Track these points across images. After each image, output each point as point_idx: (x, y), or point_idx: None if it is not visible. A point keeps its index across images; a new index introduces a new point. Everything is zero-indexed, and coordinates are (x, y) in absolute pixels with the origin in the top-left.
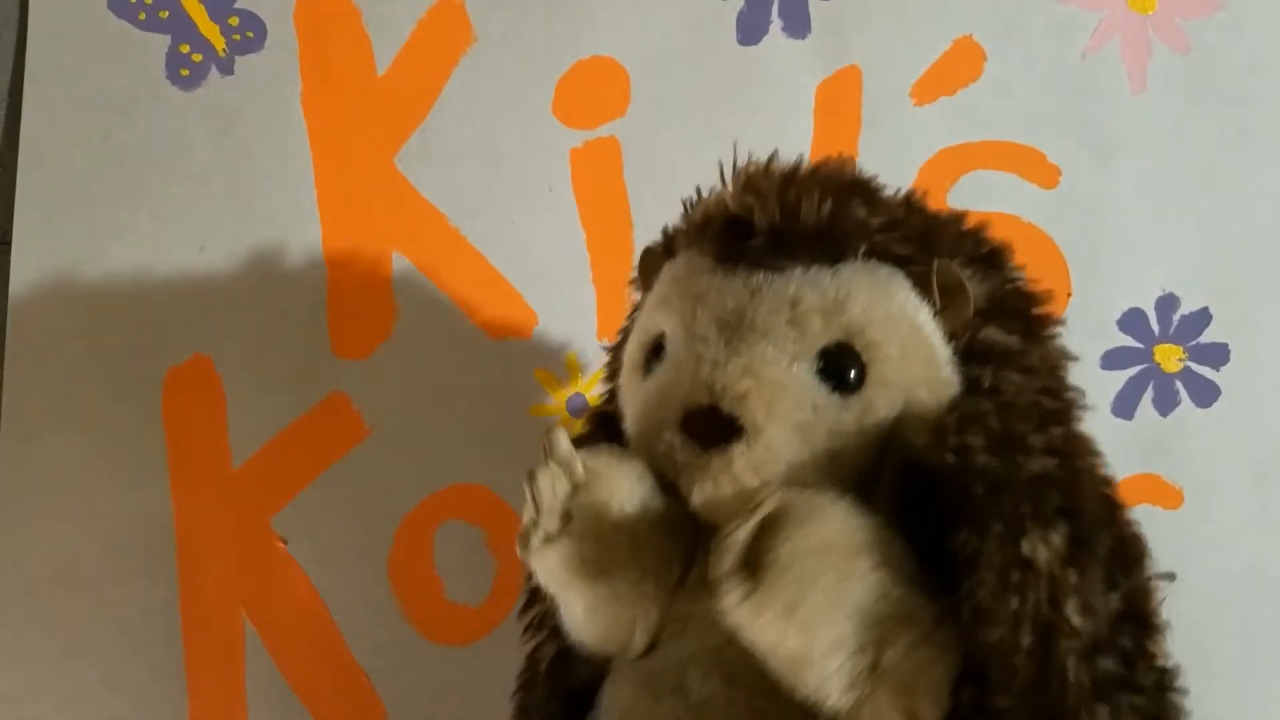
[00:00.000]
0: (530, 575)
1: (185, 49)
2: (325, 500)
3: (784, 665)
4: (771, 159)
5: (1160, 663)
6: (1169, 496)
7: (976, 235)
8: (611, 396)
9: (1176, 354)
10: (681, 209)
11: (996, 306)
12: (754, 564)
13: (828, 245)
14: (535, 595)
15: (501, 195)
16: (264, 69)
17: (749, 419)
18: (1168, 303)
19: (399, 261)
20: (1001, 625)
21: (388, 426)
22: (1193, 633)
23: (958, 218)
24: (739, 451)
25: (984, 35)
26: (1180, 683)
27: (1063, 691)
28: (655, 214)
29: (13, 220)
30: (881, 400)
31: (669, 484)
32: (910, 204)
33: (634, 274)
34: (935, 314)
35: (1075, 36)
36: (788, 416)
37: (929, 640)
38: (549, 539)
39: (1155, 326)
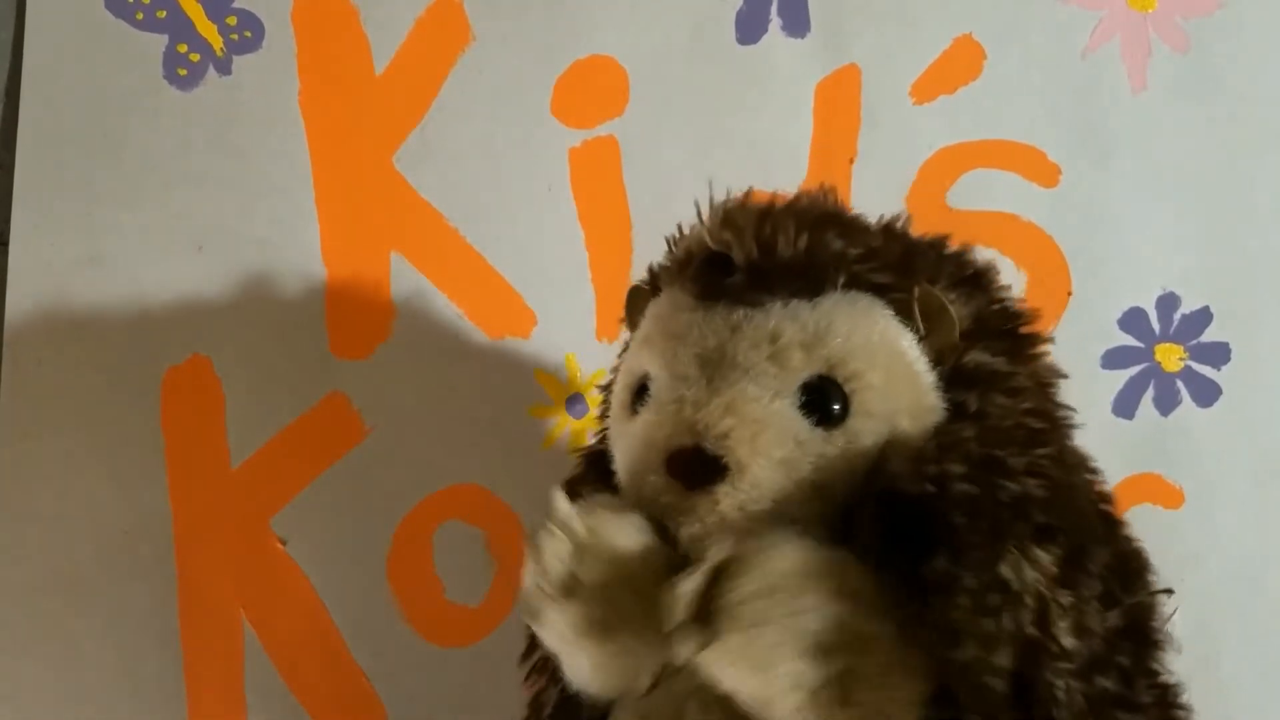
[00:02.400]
0: None
1: (183, 49)
2: (325, 500)
3: (751, 706)
4: (749, 194)
5: (1161, 679)
6: (1169, 496)
7: (959, 258)
8: (604, 436)
9: (1177, 353)
10: (666, 246)
11: (982, 328)
12: (706, 612)
13: (806, 278)
14: (536, 641)
15: (500, 195)
16: (262, 69)
17: (732, 457)
18: (1168, 302)
19: (398, 261)
20: (972, 645)
21: (387, 426)
22: (1193, 632)
23: (939, 242)
24: (724, 491)
25: (984, 34)
26: (1183, 699)
27: (1051, 711)
28: (654, 213)
29: (10, 220)
30: (866, 430)
31: (660, 526)
32: (889, 232)
33: (622, 313)
34: (919, 340)
35: (1075, 36)
36: (771, 453)
37: (896, 665)
38: (556, 603)
39: (1156, 326)
